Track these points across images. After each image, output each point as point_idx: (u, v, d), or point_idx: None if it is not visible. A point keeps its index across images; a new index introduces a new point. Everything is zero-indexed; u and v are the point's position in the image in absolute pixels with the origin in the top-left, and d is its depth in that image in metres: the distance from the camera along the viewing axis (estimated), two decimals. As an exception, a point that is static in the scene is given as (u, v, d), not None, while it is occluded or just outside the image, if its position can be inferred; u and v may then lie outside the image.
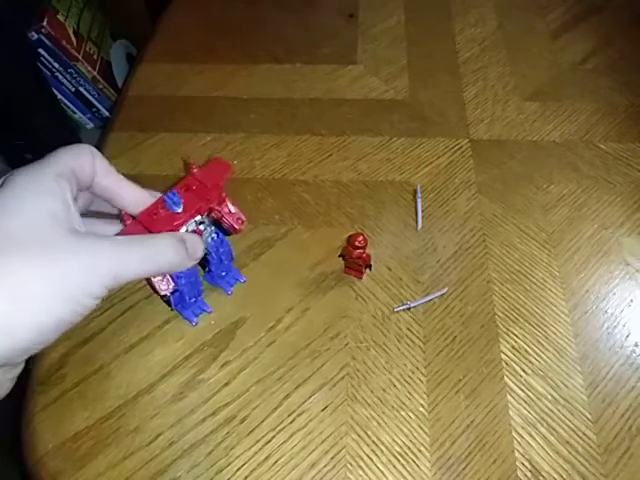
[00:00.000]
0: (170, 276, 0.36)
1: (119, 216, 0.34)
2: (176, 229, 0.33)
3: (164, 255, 0.31)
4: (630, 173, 0.49)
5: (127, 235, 0.32)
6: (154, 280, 0.35)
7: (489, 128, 0.53)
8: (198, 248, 0.34)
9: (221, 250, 0.38)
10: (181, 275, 0.36)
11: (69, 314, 0.27)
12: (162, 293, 0.35)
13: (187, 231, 0.34)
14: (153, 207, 0.33)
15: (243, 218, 0.36)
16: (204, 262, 0.39)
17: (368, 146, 0.52)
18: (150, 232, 0.32)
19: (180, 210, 0.33)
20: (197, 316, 0.40)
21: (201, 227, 0.36)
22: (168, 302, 0.39)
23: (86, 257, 0.27)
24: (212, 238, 0.37)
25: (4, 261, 0.25)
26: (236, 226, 0.36)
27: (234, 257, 0.41)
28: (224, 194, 0.36)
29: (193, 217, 0.34)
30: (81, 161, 0.31)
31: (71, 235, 0.27)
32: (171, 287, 0.35)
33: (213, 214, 0.36)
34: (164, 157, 0.51)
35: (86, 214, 0.33)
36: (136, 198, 0.33)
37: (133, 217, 0.33)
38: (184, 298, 0.39)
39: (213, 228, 0.37)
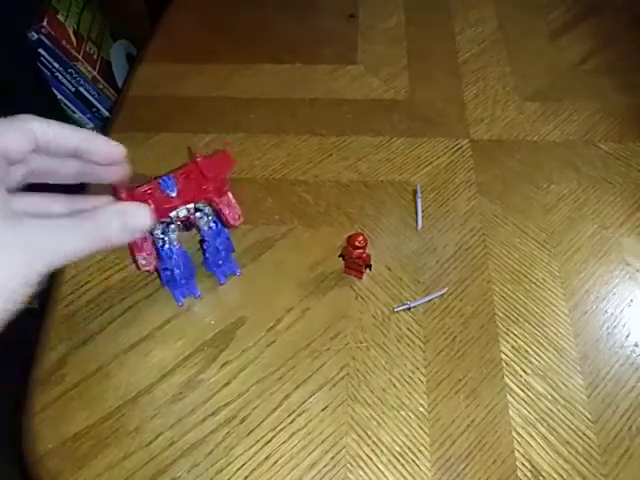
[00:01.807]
0: (158, 254, 0.36)
1: (112, 190, 0.34)
2: (166, 212, 0.34)
3: (104, 230, 0.29)
4: (630, 173, 0.49)
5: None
6: (136, 256, 0.35)
7: (489, 128, 0.53)
8: (139, 218, 0.30)
9: (218, 240, 0.39)
10: (171, 255, 0.37)
11: (10, 305, 0.26)
12: (143, 269, 0.35)
13: (177, 216, 0.35)
14: (150, 186, 0.34)
15: (239, 214, 0.36)
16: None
17: (368, 146, 0.52)
18: None
19: (174, 195, 0.34)
20: (184, 297, 0.41)
21: (197, 214, 0.36)
22: (160, 277, 0.40)
23: (19, 246, 0.26)
24: (209, 227, 0.38)
25: None
26: (231, 221, 0.36)
27: (234, 250, 0.42)
28: (226, 187, 0.36)
29: (185, 204, 0.35)
30: (6, 138, 0.29)
31: (3, 224, 0.26)
32: (152, 264, 0.36)
33: (213, 205, 0.36)
34: (164, 157, 0.51)
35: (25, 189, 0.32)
36: (108, 151, 0.32)
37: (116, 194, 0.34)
38: (174, 278, 0.39)
39: (211, 217, 0.37)
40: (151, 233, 0.36)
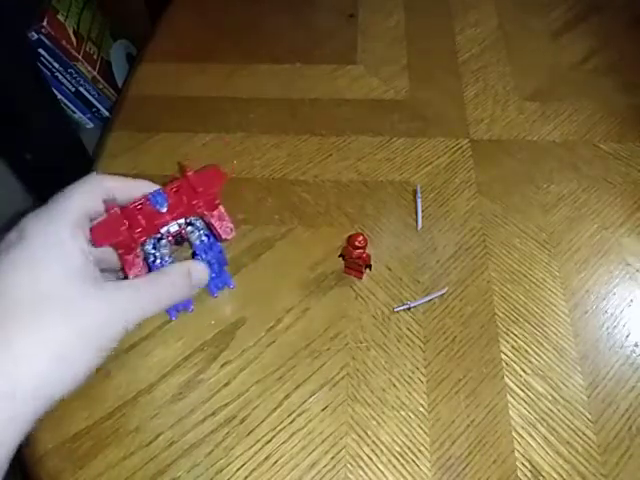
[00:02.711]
0: (150, 270, 0.35)
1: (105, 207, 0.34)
2: (157, 228, 0.34)
3: (175, 292, 0.34)
4: (630, 173, 0.49)
5: (125, 254, 0.34)
6: (128, 273, 0.35)
7: (489, 128, 0.53)
8: (203, 277, 0.36)
9: (210, 253, 0.38)
10: (159, 266, 0.36)
11: (99, 360, 0.30)
12: (130, 276, 0.35)
13: (169, 231, 0.35)
14: (140, 201, 0.34)
15: (232, 227, 0.36)
16: None
17: (368, 146, 0.52)
18: (129, 226, 0.33)
19: (164, 210, 0.34)
20: (178, 312, 0.40)
21: (189, 229, 0.36)
22: None
23: (113, 308, 0.30)
24: (201, 240, 0.37)
25: (43, 322, 0.27)
26: (223, 235, 0.36)
27: (228, 260, 0.41)
28: (218, 201, 0.35)
29: (176, 219, 0.35)
30: (93, 198, 0.33)
31: (96, 288, 0.30)
32: (142, 273, 0.35)
33: (204, 219, 0.36)
34: (164, 157, 0.51)
35: None
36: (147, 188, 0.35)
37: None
38: None
39: (202, 232, 0.37)
40: (142, 249, 0.35)
